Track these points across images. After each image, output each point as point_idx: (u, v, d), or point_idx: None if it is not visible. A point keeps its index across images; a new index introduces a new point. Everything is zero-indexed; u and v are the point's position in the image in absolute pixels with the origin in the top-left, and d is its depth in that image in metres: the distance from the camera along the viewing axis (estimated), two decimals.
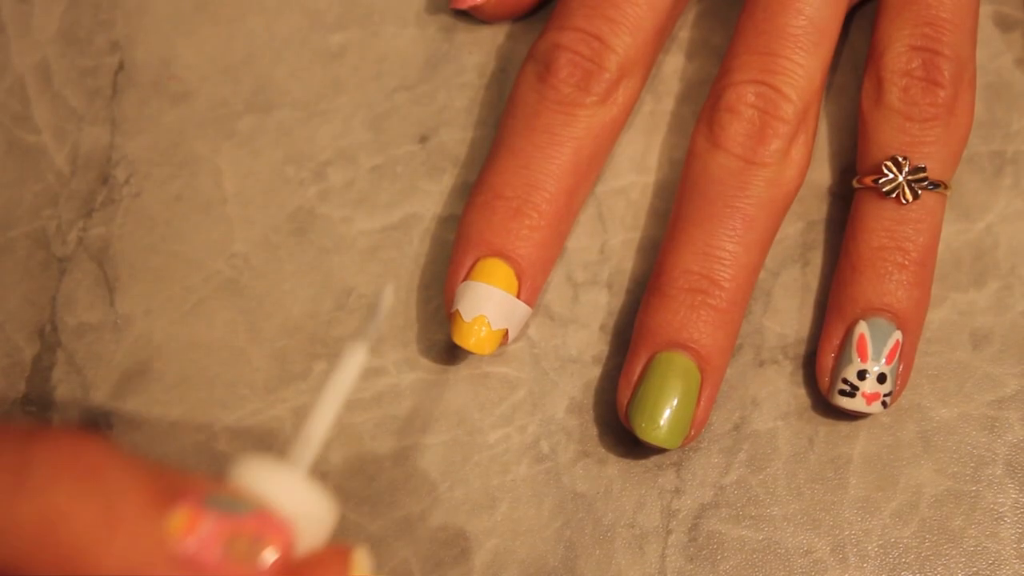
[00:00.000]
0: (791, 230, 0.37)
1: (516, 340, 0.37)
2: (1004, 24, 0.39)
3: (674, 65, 0.39)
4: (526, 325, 0.37)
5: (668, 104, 0.39)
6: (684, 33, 0.39)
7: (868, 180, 0.35)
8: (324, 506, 0.26)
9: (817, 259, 0.37)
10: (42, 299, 0.37)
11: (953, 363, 0.36)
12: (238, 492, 0.25)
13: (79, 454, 0.24)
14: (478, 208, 0.35)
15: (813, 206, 0.38)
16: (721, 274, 0.34)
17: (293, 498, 0.25)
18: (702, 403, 0.34)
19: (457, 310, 0.34)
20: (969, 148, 0.38)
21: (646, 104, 0.39)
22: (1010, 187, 0.38)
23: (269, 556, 0.24)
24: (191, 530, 0.24)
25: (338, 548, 0.26)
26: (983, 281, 0.37)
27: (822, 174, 0.38)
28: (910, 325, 0.35)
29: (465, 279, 0.35)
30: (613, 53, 0.35)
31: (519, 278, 0.35)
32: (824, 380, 0.35)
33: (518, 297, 0.35)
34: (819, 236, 0.37)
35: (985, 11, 0.39)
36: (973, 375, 0.36)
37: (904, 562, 0.35)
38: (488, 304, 0.34)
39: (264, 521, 0.25)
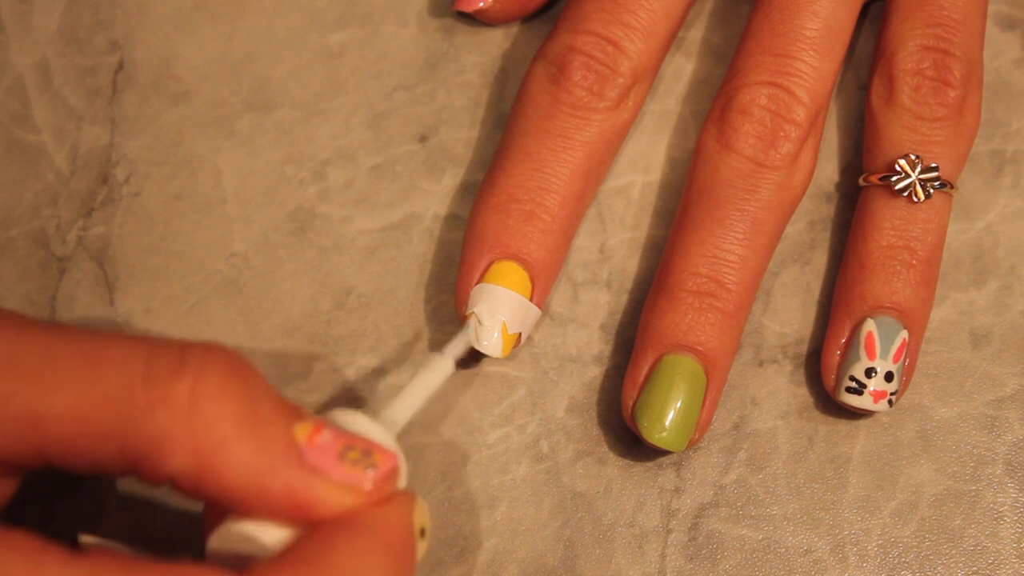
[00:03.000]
0: (791, 229, 0.37)
1: None
2: (1004, 24, 0.39)
3: (674, 65, 0.39)
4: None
5: (668, 104, 0.39)
6: (684, 33, 0.39)
7: (876, 178, 0.35)
8: (402, 463, 0.29)
9: (817, 258, 0.37)
10: (42, 298, 0.37)
11: (953, 362, 0.36)
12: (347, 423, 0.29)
13: (230, 357, 0.27)
14: (492, 210, 0.35)
15: (813, 205, 0.38)
16: (729, 277, 0.34)
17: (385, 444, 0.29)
18: (707, 406, 0.34)
19: (473, 312, 0.34)
20: None
21: (647, 103, 0.39)
22: (1010, 187, 0.38)
23: (379, 466, 0.28)
24: (313, 437, 0.27)
25: (407, 492, 0.29)
26: (983, 280, 0.37)
27: (821, 173, 0.38)
28: (915, 324, 0.35)
29: (479, 281, 0.35)
30: (627, 59, 0.35)
31: (532, 281, 0.35)
32: (830, 378, 0.35)
33: (530, 300, 0.35)
34: (819, 235, 0.37)
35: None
36: (973, 374, 0.36)
37: (904, 561, 0.35)
38: (505, 308, 0.34)
39: (373, 443, 0.28)
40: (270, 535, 0.27)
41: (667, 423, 0.34)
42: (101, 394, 0.26)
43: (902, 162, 0.34)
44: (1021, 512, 0.35)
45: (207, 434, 0.26)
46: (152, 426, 0.26)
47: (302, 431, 0.28)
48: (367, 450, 0.28)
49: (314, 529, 0.27)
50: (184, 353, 0.27)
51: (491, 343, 0.34)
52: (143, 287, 0.37)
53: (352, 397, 0.36)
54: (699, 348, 0.34)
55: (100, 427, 0.26)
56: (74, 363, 0.26)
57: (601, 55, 0.35)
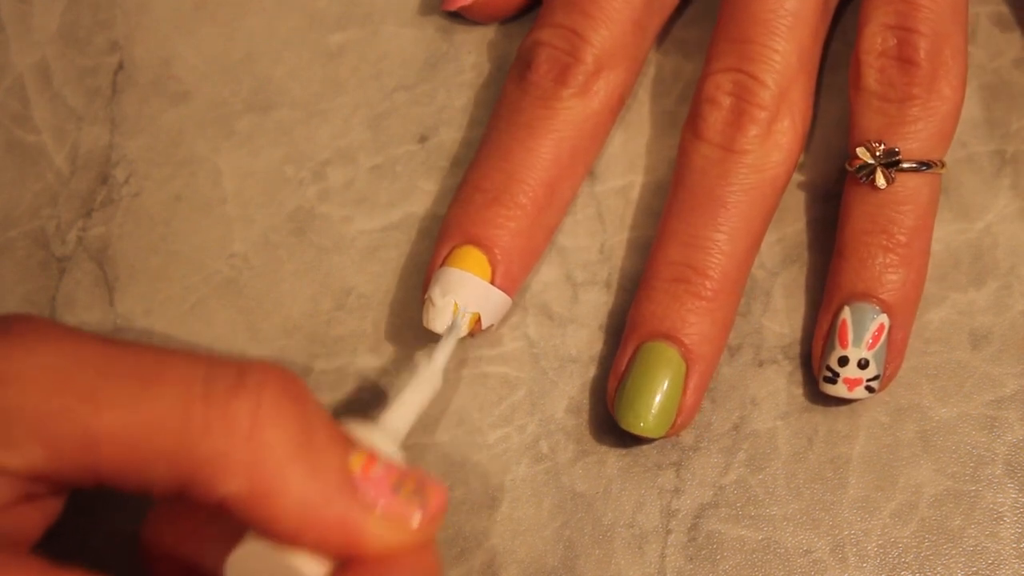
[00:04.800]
0: (790, 230, 0.37)
1: (497, 329, 0.37)
2: (1004, 24, 0.39)
3: (674, 65, 0.39)
4: (520, 322, 0.37)
5: (667, 104, 0.39)
6: (683, 33, 0.39)
7: (850, 166, 0.35)
8: None
9: (817, 258, 0.37)
10: (42, 299, 0.37)
11: (952, 363, 0.36)
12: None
13: (288, 379, 0.27)
14: (457, 201, 0.36)
15: (812, 206, 0.38)
16: (703, 262, 0.34)
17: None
18: (689, 392, 0.34)
19: (428, 295, 0.34)
20: (968, 148, 0.38)
21: (645, 104, 0.39)
22: (1009, 187, 0.38)
23: (430, 502, 0.27)
24: (367, 469, 0.27)
25: None
26: (982, 281, 0.37)
27: (821, 173, 0.38)
28: (898, 308, 0.34)
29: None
30: (590, 46, 0.35)
31: (492, 265, 0.35)
32: (815, 369, 0.35)
33: (492, 284, 0.35)
34: (818, 236, 0.37)
35: (985, 11, 0.39)
36: (972, 375, 0.36)
37: (903, 562, 0.35)
38: (458, 288, 0.34)
39: (426, 478, 0.28)
40: (313, 567, 0.27)
41: (643, 411, 0.34)
42: (157, 412, 0.26)
43: (860, 149, 0.35)
44: (1021, 512, 0.35)
45: (264, 457, 0.26)
46: (209, 446, 0.25)
47: (357, 461, 0.27)
48: (420, 486, 0.27)
49: (353, 566, 0.27)
50: (243, 373, 0.26)
51: (443, 323, 0.34)
52: (143, 287, 0.37)
53: (352, 398, 0.36)
54: (674, 335, 0.34)
55: (155, 445, 0.26)
56: (130, 380, 0.26)
57: (564, 45, 0.35)
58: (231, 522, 0.27)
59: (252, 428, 0.26)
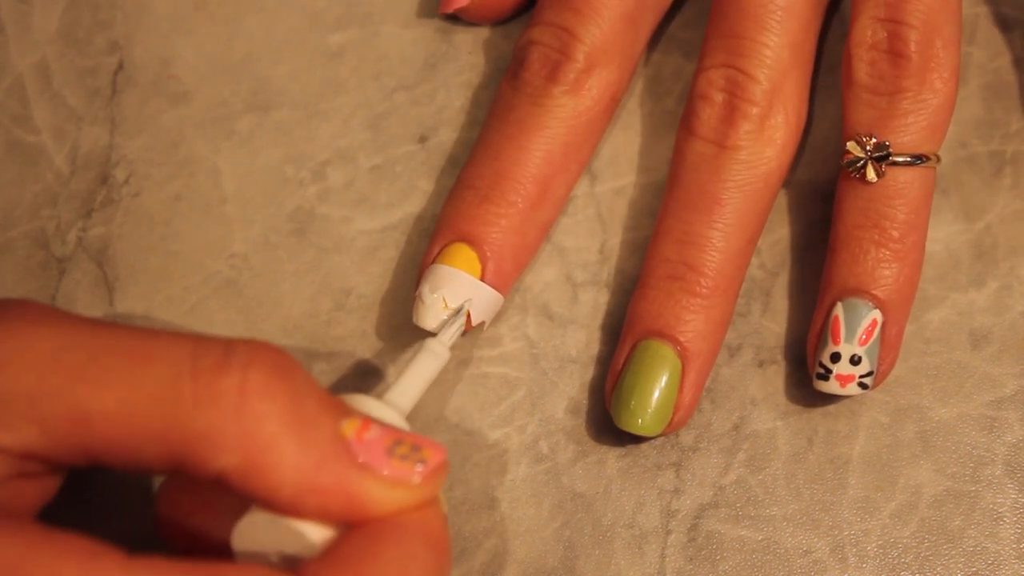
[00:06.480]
0: (790, 230, 0.37)
1: (497, 330, 0.37)
2: (1004, 24, 0.39)
3: (674, 65, 0.39)
4: (520, 322, 0.37)
5: (668, 104, 0.39)
6: (684, 33, 0.39)
7: (841, 160, 0.35)
8: None
9: (816, 259, 0.37)
10: (42, 299, 0.37)
11: (952, 363, 0.36)
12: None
13: (275, 354, 0.27)
14: (450, 200, 0.36)
15: (812, 205, 0.38)
16: (699, 260, 0.34)
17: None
18: (685, 390, 0.34)
19: (418, 292, 0.34)
20: (968, 148, 0.38)
21: (646, 104, 0.39)
22: (1009, 187, 0.38)
23: (428, 460, 0.28)
24: (361, 433, 0.27)
25: None
26: (982, 281, 0.37)
27: (821, 173, 0.38)
28: (891, 304, 0.34)
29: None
30: (581, 43, 0.35)
31: (482, 262, 0.35)
32: (809, 365, 0.35)
33: (482, 280, 0.35)
34: (818, 236, 0.37)
35: (985, 11, 0.39)
36: (972, 375, 0.36)
37: (903, 562, 0.35)
38: (447, 285, 0.34)
39: (421, 438, 0.28)
40: (317, 533, 0.27)
41: (637, 408, 0.34)
42: (148, 390, 0.26)
43: (851, 143, 0.34)
44: (1021, 513, 0.35)
45: (255, 430, 0.26)
46: (200, 422, 0.26)
47: (350, 427, 0.27)
48: (416, 445, 0.28)
49: (357, 529, 0.27)
50: (229, 349, 0.27)
51: (432, 320, 0.34)
52: (143, 287, 0.37)
53: None
54: (669, 332, 0.34)
55: (147, 423, 0.26)
56: (120, 359, 0.26)
57: (555, 42, 0.35)
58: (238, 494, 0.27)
59: (240, 402, 0.26)
